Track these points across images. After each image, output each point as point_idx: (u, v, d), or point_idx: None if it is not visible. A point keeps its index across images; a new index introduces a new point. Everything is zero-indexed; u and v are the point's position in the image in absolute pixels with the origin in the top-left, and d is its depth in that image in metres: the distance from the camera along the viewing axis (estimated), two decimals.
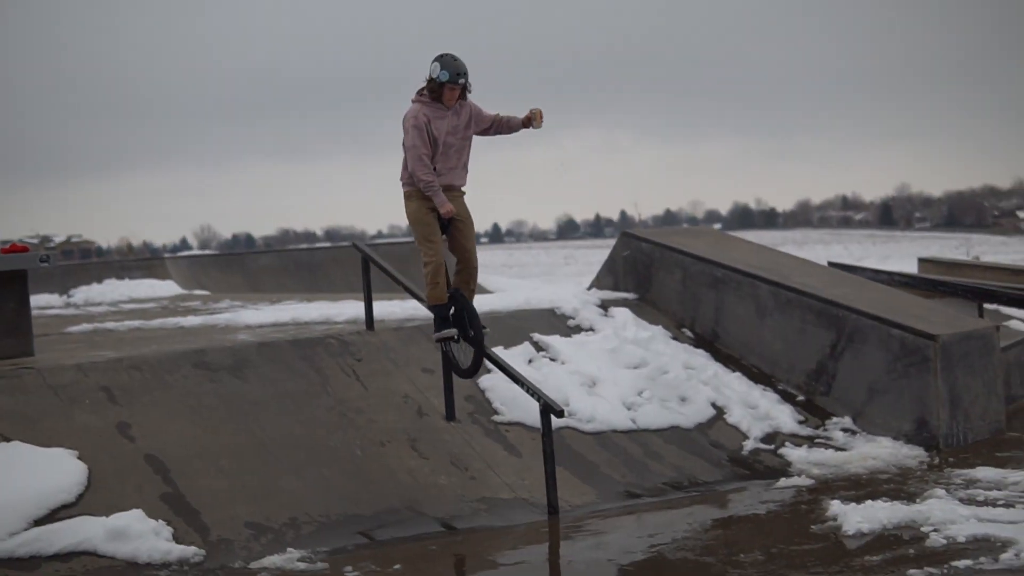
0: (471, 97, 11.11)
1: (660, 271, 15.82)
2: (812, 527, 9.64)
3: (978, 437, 13.34)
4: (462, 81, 10.79)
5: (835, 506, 10.05)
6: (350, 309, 14.63)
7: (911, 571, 8.17)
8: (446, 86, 10.75)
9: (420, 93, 10.93)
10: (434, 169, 10.86)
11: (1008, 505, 10.01)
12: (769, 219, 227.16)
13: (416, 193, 10.99)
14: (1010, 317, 24.01)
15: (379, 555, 9.07)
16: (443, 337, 11.15)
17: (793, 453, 12.36)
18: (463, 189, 11.26)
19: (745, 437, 12.68)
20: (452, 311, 11.21)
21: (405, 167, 11.03)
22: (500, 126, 11.27)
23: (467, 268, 11.26)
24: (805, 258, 17.58)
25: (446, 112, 10.92)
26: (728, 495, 11.13)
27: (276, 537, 9.29)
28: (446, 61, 10.77)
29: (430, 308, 11.31)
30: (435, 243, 11.01)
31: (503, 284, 26.98)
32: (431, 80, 10.81)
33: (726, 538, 9.45)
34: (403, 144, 10.96)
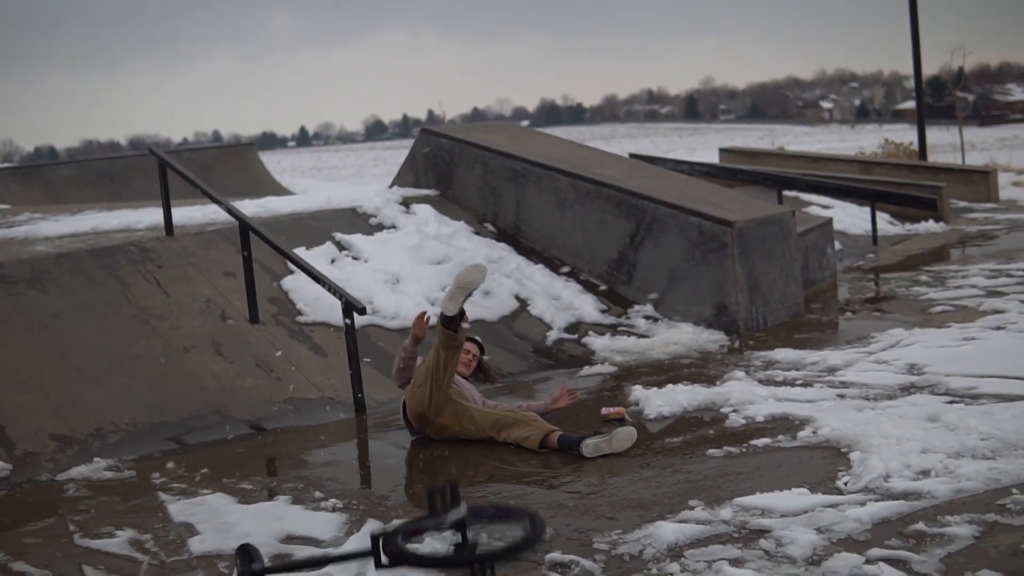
0: None
1: (460, 167, 15.85)
2: None
3: (777, 320, 13.64)
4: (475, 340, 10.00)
5: (637, 391, 10.23)
6: (151, 217, 14.41)
7: (711, 451, 8.35)
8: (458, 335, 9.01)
9: None
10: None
11: (806, 384, 10.26)
12: (576, 115, 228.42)
13: None
14: (810, 203, 24.50)
15: (187, 460, 9.01)
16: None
17: (596, 342, 12.54)
18: None
19: (549, 328, 12.82)
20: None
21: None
22: None
23: None
24: (605, 151, 17.71)
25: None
26: (534, 385, 11.26)
27: (82, 448, 9.18)
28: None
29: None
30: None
31: (306, 186, 26.81)
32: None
33: None
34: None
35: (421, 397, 8.95)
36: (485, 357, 10.01)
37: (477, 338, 10.04)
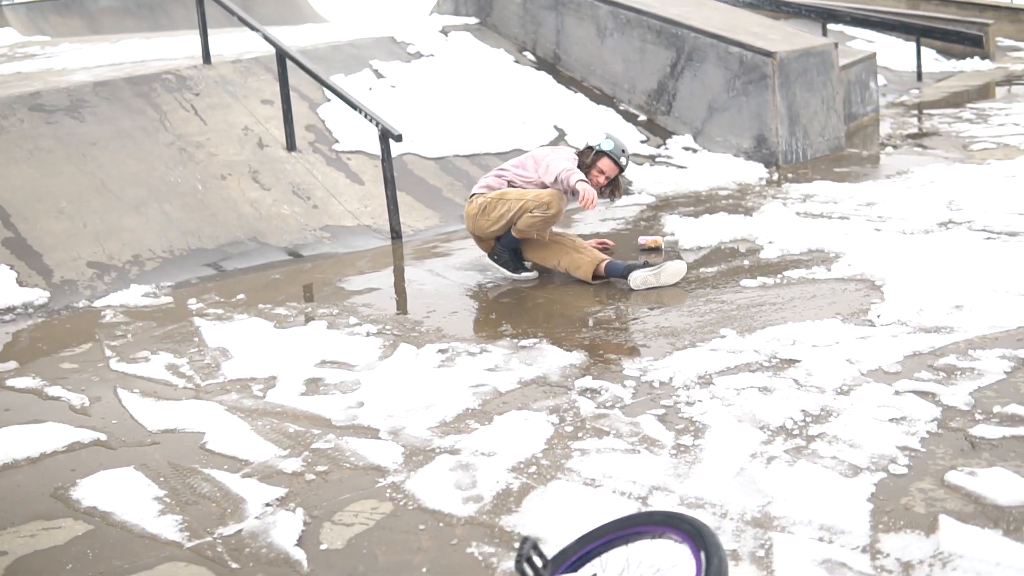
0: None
1: None
2: None
3: (817, 153, 13.53)
4: (625, 164, 8.96)
5: (673, 221, 10.22)
6: (188, 45, 14.35)
7: (745, 281, 8.34)
8: (606, 162, 8.85)
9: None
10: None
11: (843, 217, 10.21)
12: None
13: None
14: (854, 37, 24.19)
15: (223, 286, 9.07)
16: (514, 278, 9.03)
17: (635, 172, 12.46)
18: None
19: None
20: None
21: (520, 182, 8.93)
22: None
23: None
24: None
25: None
26: (571, 215, 11.21)
27: (120, 275, 9.26)
28: (616, 137, 8.96)
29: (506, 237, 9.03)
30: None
31: (346, 14, 26.61)
32: (588, 149, 8.91)
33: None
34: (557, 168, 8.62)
35: (486, 227, 8.90)
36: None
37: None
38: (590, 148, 8.86)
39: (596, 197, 8.22)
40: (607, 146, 8.78)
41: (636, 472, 5.20)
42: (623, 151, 8.85)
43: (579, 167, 8.74)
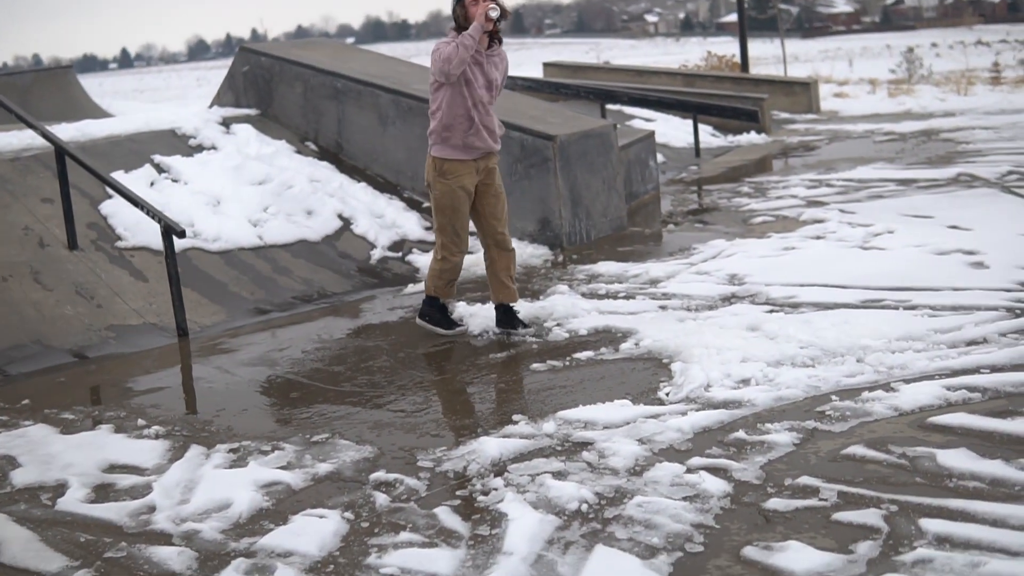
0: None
1: (281, 85, 15.68)
2: None
3: (601, 234, 13.73)
4: (494, 14, 8.73)
5: (461, 307, 10.24)
6: None
7: (534, 365, 8.41)
8: (480, 5, 8.81)
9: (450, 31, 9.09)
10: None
11: (628, 297, 10.38)
12: (402, 31, 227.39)
13: (451, 167, 9.07)
14: (633, 116, 24.65)
15: (7, 391, 8.83)
16: (445, 335, 9.56)
17: (421, 259, 12.50)
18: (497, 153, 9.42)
19: (373, 246, 12.76)
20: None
21: (435, 119, 9.11)
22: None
23: (503, 251, 9.44)
24: (426, 66, 17.61)
25: (480, 57, 9.00)
26: (359, 304, 11.21)
27: None
28: None
29: (427, 298, 9.67)
30: (464, 234, 9.33)
31: (127, 108, 26.30)
32: (454, 7, 9.08)
33: (357, 346, 9.54)
34: (431, 79, 9.08)
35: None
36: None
37: None
38: (455, 5, 9.08)
39: (479, 30, 8.73)
40: None
41: (435, 565, 5.19)
42: None
43: (457, 29, 9.01)
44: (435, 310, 9.60)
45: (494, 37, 9.10)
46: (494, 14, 8.64)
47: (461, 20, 8.98)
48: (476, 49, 8.85)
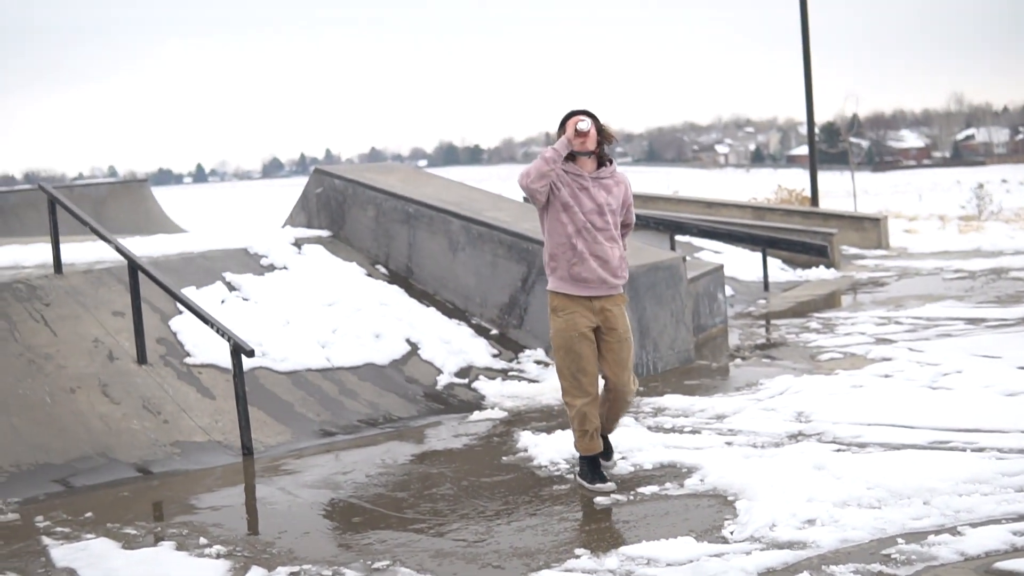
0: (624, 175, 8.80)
1: (353, 208, 15.82)
2: (504, 458, 9.80)
3: (668, 366, 13.70)
4: (584, 126, 8.27)
5: (526, 437, 10.23)
6: (40, 253, 14.22)
7: (599, 498, 8.37)
8: (568, 121, 8.41)
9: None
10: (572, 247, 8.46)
11: (694, 432, 10.32)
12: (474, 155, 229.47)
13: (561, 302, 8.49)
14: (702, 248, 24.67)
15: (71, 503, 8.90)
16: (600, 492, 8.58)
17: (487, 386, 12.52)
18: (621, 291, 8.73)
19: (439, 372, 12.78)
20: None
21: (544, 249, 8.66)
22: (623, 231, 8.96)
23: (617, 399, 8.75)
24: (500, 194, 17.73)
25: (587, 182, 8.46)
26: (424, 430, 11.21)
27: None
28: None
29: (580, 456, 8.81)
30: (586, 379, 8.46)
31: (200, 224, 26.64)
32: (558, 130, 8.52)
33: (420, 473, 9.53)
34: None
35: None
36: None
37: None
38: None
39: (564, 145, 8.29)
40: (562, 118, 8.49)
41: None
42: (574, 110, 8.45)
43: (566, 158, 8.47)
44: (584, 463, 8.72)
45: (603, 159, 8.57)
46: (583, 126, 8.24)
47: (562, 139, 8.39)
48: (579, 173, 8.40)
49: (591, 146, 8.43)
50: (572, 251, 8.41)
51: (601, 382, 8.68)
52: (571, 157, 8.44)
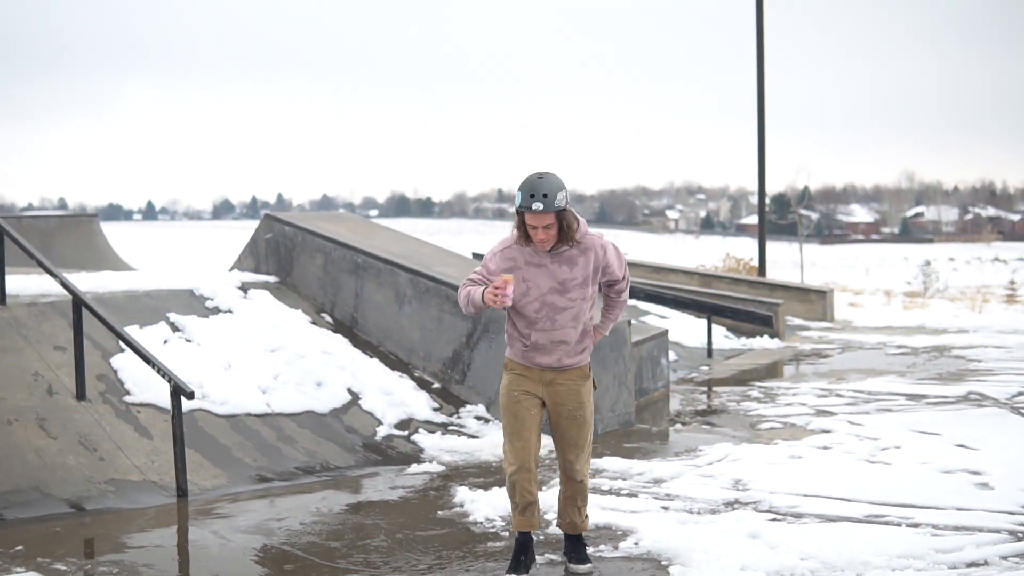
0: (596, 237, 7.96)
1: (302, 255, 15.81)
2: (439, 513, 9.79)
3: (608, 428, 13.71)
4: (537, 206, 7.36)
5: (463, 492, 10.23)
6: None
7: None
8: (524, 215, 7.52)
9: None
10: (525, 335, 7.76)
11: (631, 495, 10.33)
12: (425, 208, 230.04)
13: (511, 364, 7.93)
14: (648, 312, 24.74)
15: (2, 536, 8.83)
16: None
17: (426, 440, 12.49)
18: (579, 365, 7.93)
19: (379, 423, 12.74)
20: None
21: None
22: (610, 296, 8.23)
23: (565, 482, 8.03)
24: (448, 248, 17.76)
25: (543, 258, 7.68)
26: (361, 480, 11.18)
27: None
28: (525, 181, 7.51)
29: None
30: (519, 443, 7.74)
31: (146, 262, 26.57)
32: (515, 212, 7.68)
33: (355, 523, 9.50)
34: None
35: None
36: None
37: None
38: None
39: (500, 292, 7.29)
40: (517, 202, 7.54)
41: None
42: (531, 195, 7.38)
43: (522, 238, 7.60)
44: (515, 545, 7.99)
45: (562, 241, 7.64)
46: (500, 297, 7.31)
47: (516, 225, 7.61)
48: (535, 253, 7.63)
49: (548, 246, 7.64)
50: (527, 340, 7.75)
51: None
52: (527, 237, 7.60)
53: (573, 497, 7.94)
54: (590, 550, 8.44)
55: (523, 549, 7.87)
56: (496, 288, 7.29)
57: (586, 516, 8.08)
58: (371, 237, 16.46)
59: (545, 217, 7.41)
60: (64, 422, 10.83)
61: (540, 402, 7.84)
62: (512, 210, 8.09)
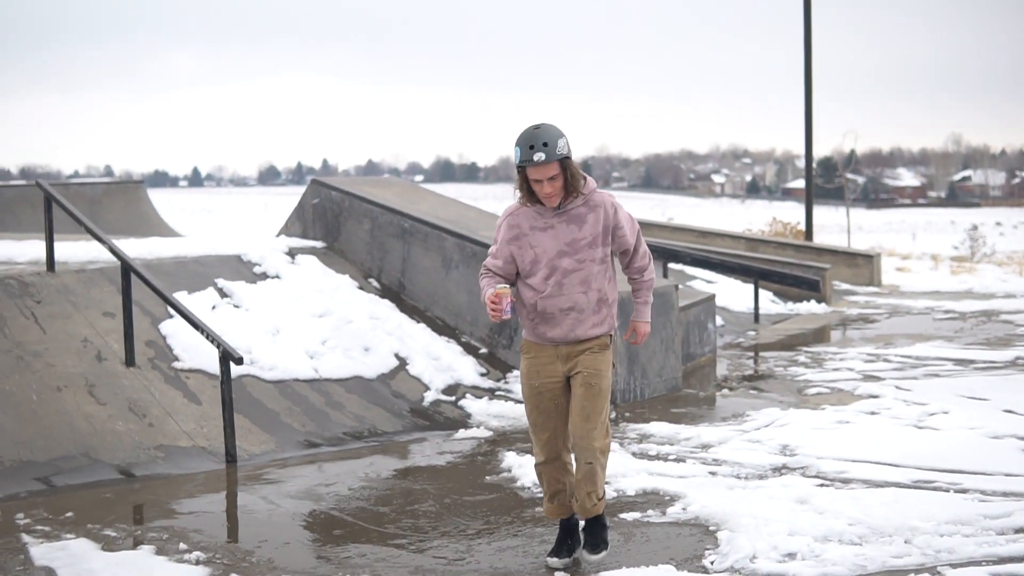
0: (606, 195, 7.34)
1: (349, 220, 15.82)
2: (487, 478, 9.81)
3: (655, 393, 13.70)
4: (539, 156, 6.96)
5: (510, 457, 10.24)
6: (34, 250, 14.20)
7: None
8: (526, 171, 7.09)
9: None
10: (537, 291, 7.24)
11: (679, 460, 10.32)
12: (471, 173, 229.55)
13: (527, 346, 7.47)
14: (694, 277, 24.67)
15: (53, 502, 8.89)
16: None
17: (473, 405, 12.51)
18: (596, 336, 7.35)
19: (427, 388, 12.77)
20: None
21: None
22: (633, 276, 7.71)
23: (575, 451, 7.34)
24: (494, 213, 17.73)
25: (551, 218, 7.24)
26: (408, 446, 11.20)
27: None
28: (522, 134, 7.11)
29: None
30: (544, 436, 7.41)
31: (194, 228, 26.66)
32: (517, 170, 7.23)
33: (403, 488, 9.52)
34: None
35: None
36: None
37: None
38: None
39: (496, 307, 7.03)
40: (516, 158, 7.11)
41: None
42: (531, 146, 6.99)
43: (528, 200, 7.22)
44: (559, 529, 7.71)
45: (568, 194, 7.18)
46: (494, 318, 7.13)
47: (517, 186, 7.18)
48: (540, 213, 7.21)
49: (555, 201, 7.22)
50: (534, 310, 7.26)
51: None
52: (532, 195, 7.21)
53: (583, 480, 7.27)
54: (636, 515, 8.45)
55: (568, 533, 7.60)
56: (493, 304, 7.08)
57: (598, 499, 7.33)
58: (417, 202, 16.46)
59: (549, 168, 7.01)
60: (113, 388, 10.89)
61: (563, 385, 7.36)
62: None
